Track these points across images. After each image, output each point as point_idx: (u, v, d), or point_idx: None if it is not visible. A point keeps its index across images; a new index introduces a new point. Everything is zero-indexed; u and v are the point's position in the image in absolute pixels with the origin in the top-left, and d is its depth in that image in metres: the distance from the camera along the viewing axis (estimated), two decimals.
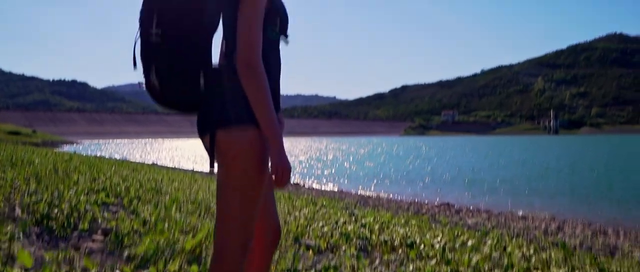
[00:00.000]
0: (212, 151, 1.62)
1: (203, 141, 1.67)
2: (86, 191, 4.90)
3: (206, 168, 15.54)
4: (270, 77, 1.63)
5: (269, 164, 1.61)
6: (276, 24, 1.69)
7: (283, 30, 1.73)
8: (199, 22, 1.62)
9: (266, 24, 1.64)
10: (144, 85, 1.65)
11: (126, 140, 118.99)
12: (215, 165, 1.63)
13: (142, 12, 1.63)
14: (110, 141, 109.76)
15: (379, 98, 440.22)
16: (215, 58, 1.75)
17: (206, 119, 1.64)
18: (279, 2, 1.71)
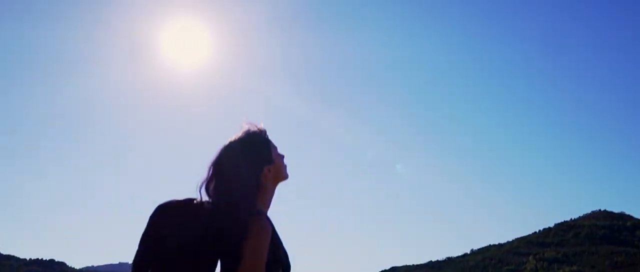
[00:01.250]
0: None
1: None
2: None
3: None
4: None
5: None
6: None
7: None
8: None
9: None
10: None
11: None
12: None
13: (135, 267, 1.61)
14: None
15: None
16: None
17: None
18: (281, 251, 1.66)
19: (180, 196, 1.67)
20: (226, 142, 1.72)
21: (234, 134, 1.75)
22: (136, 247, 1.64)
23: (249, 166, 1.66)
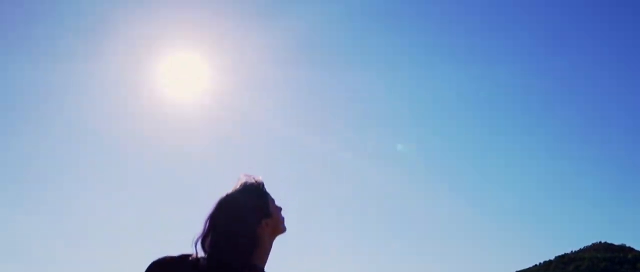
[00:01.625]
0: None
1: None
2: None
3: None
4: None
5: None
6: None
7: None
8: None
9: None
10: None
11: None
12: None
13: None
14: None
15: None
16: None
17: None
18: None
19: (175, 252, 1.61)
20: (223, 195, 1.65)
21: (232, 186, 1.68)
22: None
23: (246, 220, 1.60)
